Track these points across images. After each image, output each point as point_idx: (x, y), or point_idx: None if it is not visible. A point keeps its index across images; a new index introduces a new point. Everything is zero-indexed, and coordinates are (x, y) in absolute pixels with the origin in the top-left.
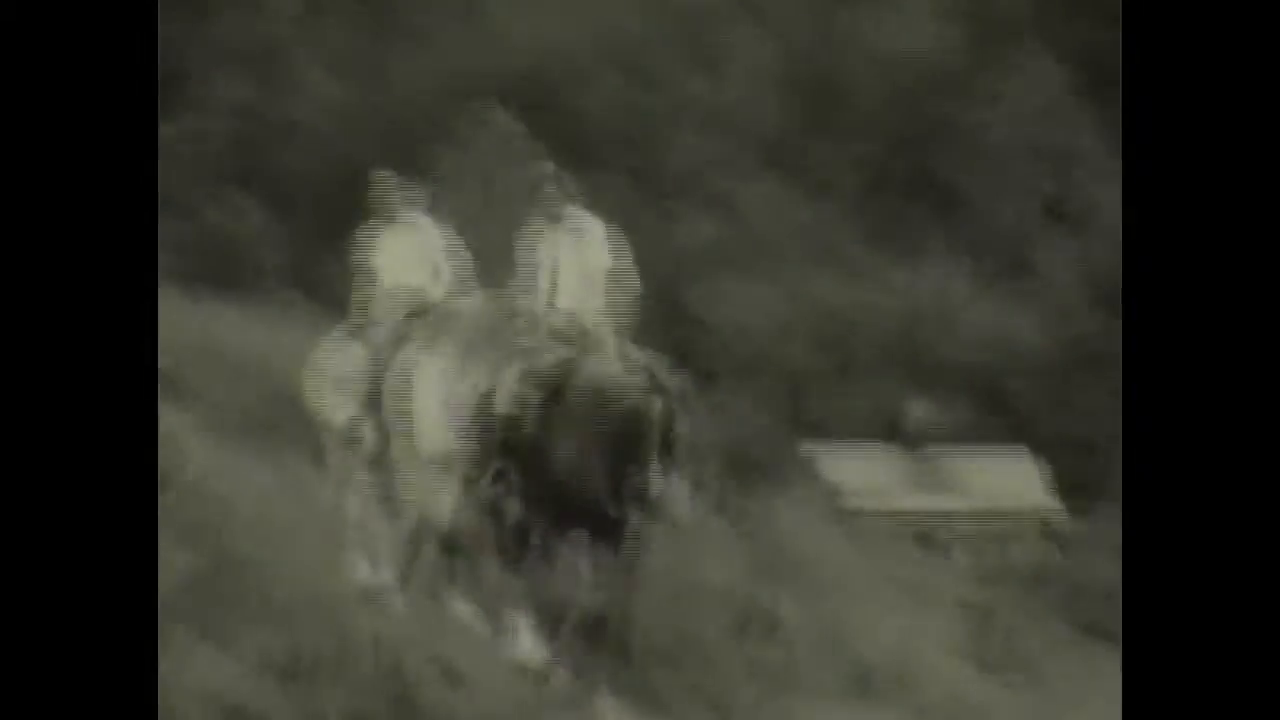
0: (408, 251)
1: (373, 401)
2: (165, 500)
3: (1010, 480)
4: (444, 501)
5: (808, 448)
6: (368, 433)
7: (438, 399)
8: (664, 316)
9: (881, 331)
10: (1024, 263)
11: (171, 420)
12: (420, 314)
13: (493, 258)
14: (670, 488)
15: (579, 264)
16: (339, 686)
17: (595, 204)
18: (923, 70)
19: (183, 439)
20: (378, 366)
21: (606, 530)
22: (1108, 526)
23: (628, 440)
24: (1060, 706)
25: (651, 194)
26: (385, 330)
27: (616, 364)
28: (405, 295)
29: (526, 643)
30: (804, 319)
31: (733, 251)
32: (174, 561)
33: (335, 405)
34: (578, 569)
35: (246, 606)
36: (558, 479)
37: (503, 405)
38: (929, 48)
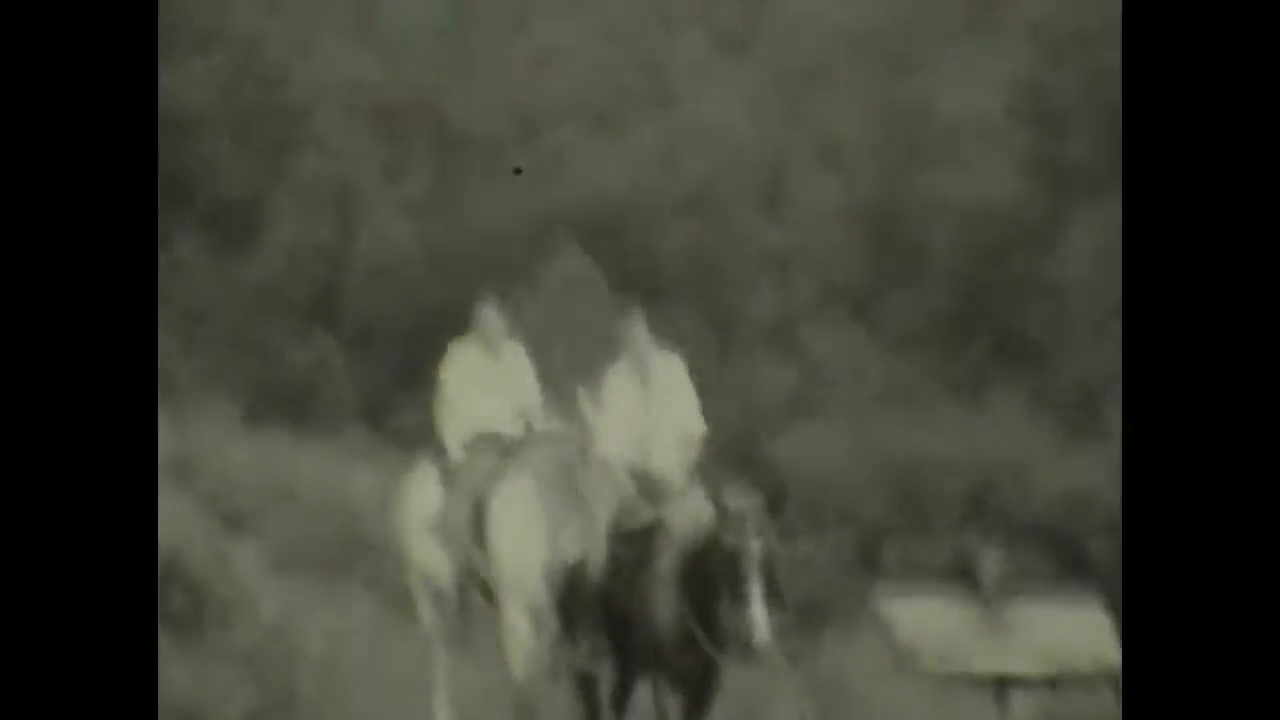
0: (500, 384)
1: (462, 551)
2: (236, 638)
3: (1083, 635)
4: (529, 660)
5: (880, 596)
6: (457, 583)
7: (526, 557)
8: (739, 464)
9: (958, 483)
10: (1101, 416)
11: (246, 558)
12: (509, 453)
13: (570, 399)
14: (766, 628)
15: (661, 408)
16: None
17: (671, 348)
18: (1000, 222)
19: (256, 577)
20: (468, 512)
21: (695, 678)
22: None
23: (726, 586)
24: None
25: (728, 341)
26: (474, 471)
27: (706, 510)
28: (494, 431)
29: None
30: (881, 469)
31: (809, 400)
32: (238, 697)
33: (425, 551)
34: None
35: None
36: (652, 634)
37: (596, 572)
38: (1006, 199)
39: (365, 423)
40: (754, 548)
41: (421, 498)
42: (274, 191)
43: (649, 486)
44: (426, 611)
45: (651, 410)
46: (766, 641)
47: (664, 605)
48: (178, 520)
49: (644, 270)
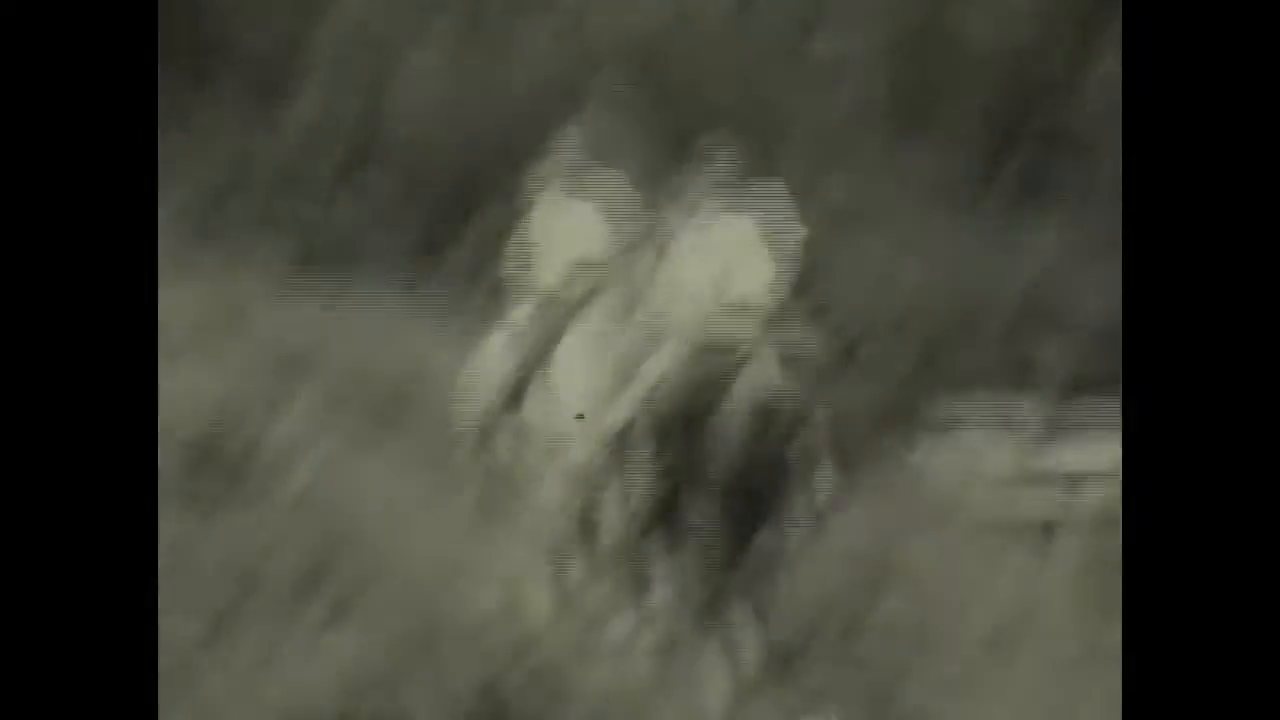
0: (576, 223)
1: (521, 398)
2: (289, 484)
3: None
4: (603, 509)
5: (946, 405)
6: (515, 434)
7: (593, 392)
8: (799, 279)
9: (1017, 286)
10: None
11: (294, 412)
12: (583, 296)
13: (636, 235)
14: (823, 499)
15: (752, 242)
16: (471, 659)
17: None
18: (1049, 24)
19: (309, 425)
20: (533, 359)
21: (745, 529)
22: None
23: (791, 454)
24: None
25: (782, 157)
26: (544, 317)
27: (777, 371)
28: (570, 272)
29: (745, 636)
30: (939, 276)
31: (865, 210)
32: (294, 545)
33: (484, 403)
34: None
35: (376, 586)
36: (719, 487)
37: (662, 408)
38: (1054, 4)
39: (416, 266)
40: (817, 414)
41: (488, 350)
42: (313, 33)
43: (732, 344)
44: (485, 468)
45: (741, 231)
46: (820, 513)
47: (730, 441)
48: (228, 370)
49: (689, 94)
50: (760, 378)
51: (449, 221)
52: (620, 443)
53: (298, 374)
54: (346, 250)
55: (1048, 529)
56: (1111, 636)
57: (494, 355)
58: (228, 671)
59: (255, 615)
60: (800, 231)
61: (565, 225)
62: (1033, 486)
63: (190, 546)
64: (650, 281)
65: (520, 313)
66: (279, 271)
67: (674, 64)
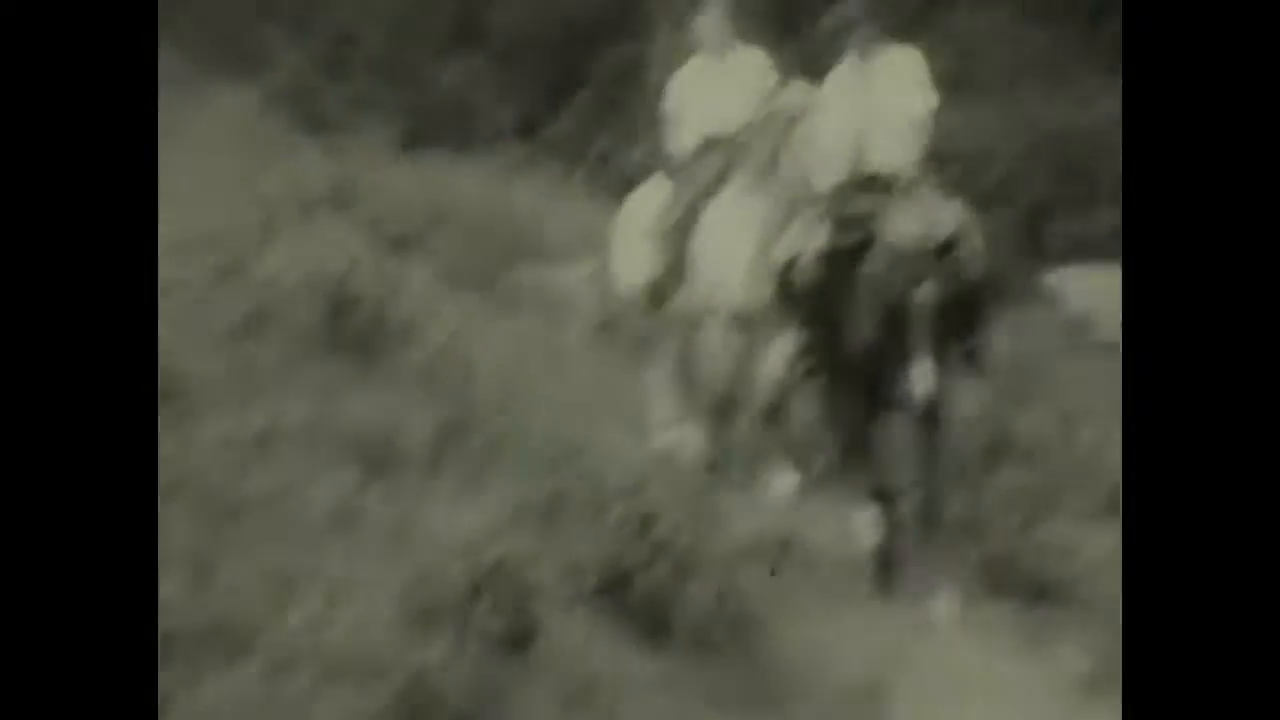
0: (729, 85)
1: (676, 255)
2: (413, 358)
3: None
4: (754, 368)
5: (1053, 274)
6: (668, 291)
7: (738, 252)
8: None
9: (1115, 156)
10: None
11: (417, 277)
12: (734, 153)
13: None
14: (927, 385)
15: (892, 106)
16: (597, 532)
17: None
18: None
19: (426, 297)
20: (685, 216)
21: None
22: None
23: (948, 305)
24: None
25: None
26: (694, 173)
27: (924, 218)
28: (723, 134)
29: (862, 524)
30: (1042, 145)
31: (967, 79)
32: (420, 416)
33: (639, 259)
34: (898, 445)
35: (500, 458)
36: (867, 348)
37: (807, 265)
38: None
39: (521, 138)
40: (923, 294)
41: (645, 205)
42: None
43: (867, 180)
44: (638, 327)
45: (875, 101)
46: (926, 397)
47: (865, 317)
48: (343, 246)
49: None
50: (900, 231)
51: (551, 95)
52: (761, 316)
53: (414, 248)
54: (453, 127)
55: None
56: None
57: (637, 224)
58: (357, 548)
59: (385, 487)
60: (933, 100)
61: (702, 97)
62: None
63: (322, 424)
64: (786, 153)
65: (655, 185)
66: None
67: None
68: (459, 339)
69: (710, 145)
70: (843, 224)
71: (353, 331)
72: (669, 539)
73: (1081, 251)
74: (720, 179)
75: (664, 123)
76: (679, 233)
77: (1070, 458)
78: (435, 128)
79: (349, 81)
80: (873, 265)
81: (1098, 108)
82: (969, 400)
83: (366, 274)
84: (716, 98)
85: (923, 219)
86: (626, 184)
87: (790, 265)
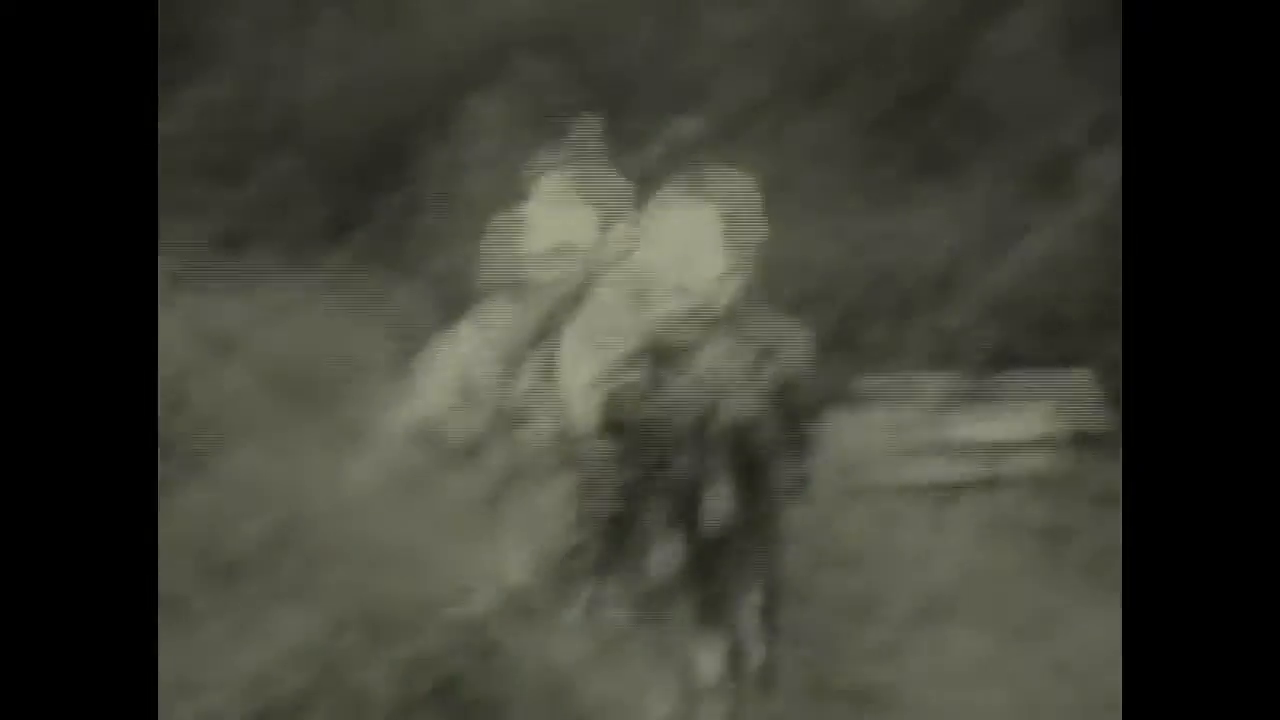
0: (576, 208)
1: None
2: (239, 462)
3: (1070, 400)
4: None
5: (865, 382)
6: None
7: (569, 384)
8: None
9: (935, 261)
10: (1070, 181)
11: (239, 380)
12: (573, 292)
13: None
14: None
15: (715, 236)
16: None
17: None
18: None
19: (250, 401)
20: (512, 356)
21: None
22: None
23: (771, 427)
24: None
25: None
26: (524, 313)
27: (745, 345)
28: (561, 263)
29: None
30: (855, 254)
31: (780, 190)
32: (247, 523)
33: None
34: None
35: (327, 566)
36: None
37: (626, 398)
38: None
39: (337, 242)
40: (727, 418)
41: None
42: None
43: (691, 311)
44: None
45: (702, 230)
46: (718, 526)
47: (677, 445)
48: (169, 348)
49: (603, 71)
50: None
51: (363, 204)
52: (576, 442)
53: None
54: (274, 227)
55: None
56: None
57: (452, 351)
58: (183, 654)
59: (210, 597)
60: (762, 231)
61: (554, 220)
62: (945, 455)
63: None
64: (610, 284)
65: (488, 308)
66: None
67: (582, 41)
68: (285, 443)
69: (558, 268)
70: (661, 355)
71: (180, 430)
72: (496, 645)
73: (897, 357)
74: (555, 314)
75: (508, 242)
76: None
77: (891, 563)
78: (255, 227)
79: (169, 182)
80: (684, 393)
81: (917, 218)
82: (798, 515)
83: (192, 373)
84: (566, 222)
85: (742, 346)
86: (444, 282)
87: (612, 399)
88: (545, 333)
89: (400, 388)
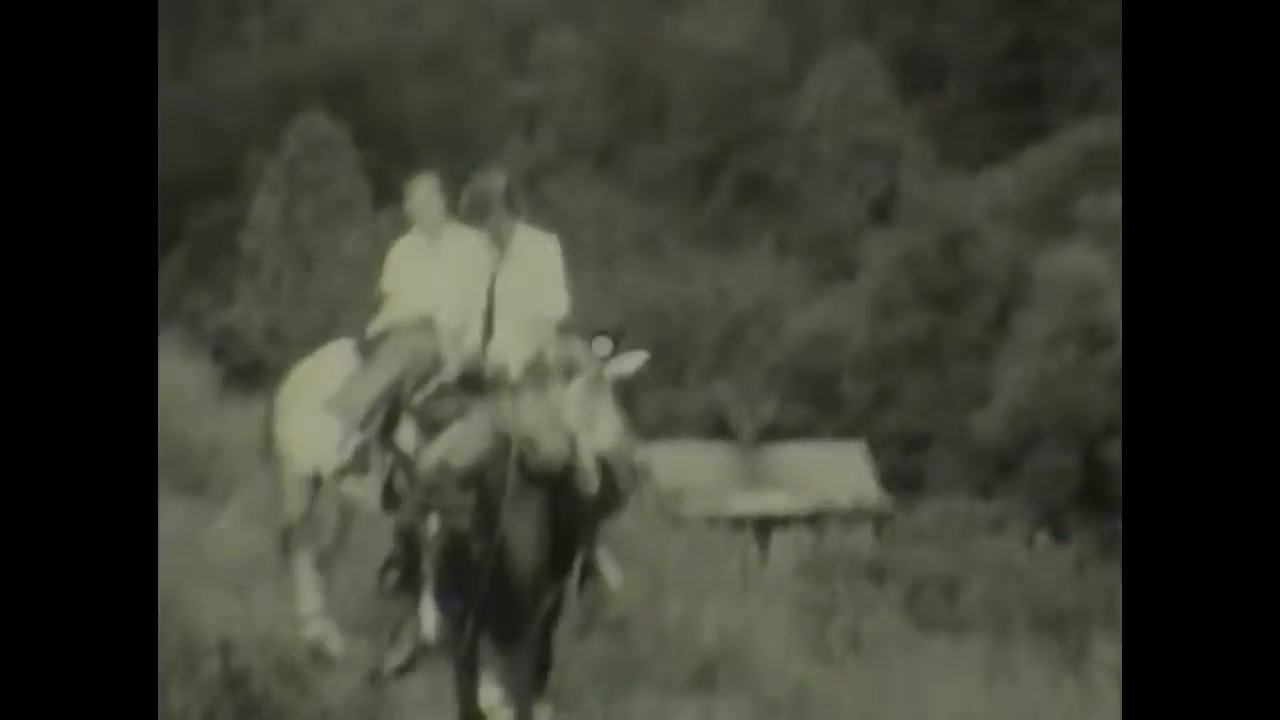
0: (438, 263)
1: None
2: None
3: (843, 475)
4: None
5: (641, 451)
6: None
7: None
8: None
9: (713, 330)
10: (851, 261)
11: None
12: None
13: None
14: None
15: (525, 293)
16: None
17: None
18: (748, 71)
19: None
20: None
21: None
22: (935, 519)
23: (567, 510)
24: (898, 692)
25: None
26: (391, 354)
27: (544, 415)
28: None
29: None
30: (635, 322)
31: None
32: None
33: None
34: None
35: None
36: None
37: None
38: (753, 49)
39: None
40: (429, 525)
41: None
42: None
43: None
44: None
45: (528, 303)
46: (431, 641)
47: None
48: None
49: (389, 129)
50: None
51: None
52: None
53: None
54: None
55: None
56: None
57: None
58: None
59: None
60: (564, 304)
61: (415, 274)
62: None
63: None
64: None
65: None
66: None
67: (375, 102)
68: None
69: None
70: (427, 425)
71: None
72: (260, 697)
73: (673, 427)
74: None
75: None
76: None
77: (659, 628)
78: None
79: None
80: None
81: (695, 283)
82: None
83: None
84: (428, 277)
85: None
86: (216, 345)
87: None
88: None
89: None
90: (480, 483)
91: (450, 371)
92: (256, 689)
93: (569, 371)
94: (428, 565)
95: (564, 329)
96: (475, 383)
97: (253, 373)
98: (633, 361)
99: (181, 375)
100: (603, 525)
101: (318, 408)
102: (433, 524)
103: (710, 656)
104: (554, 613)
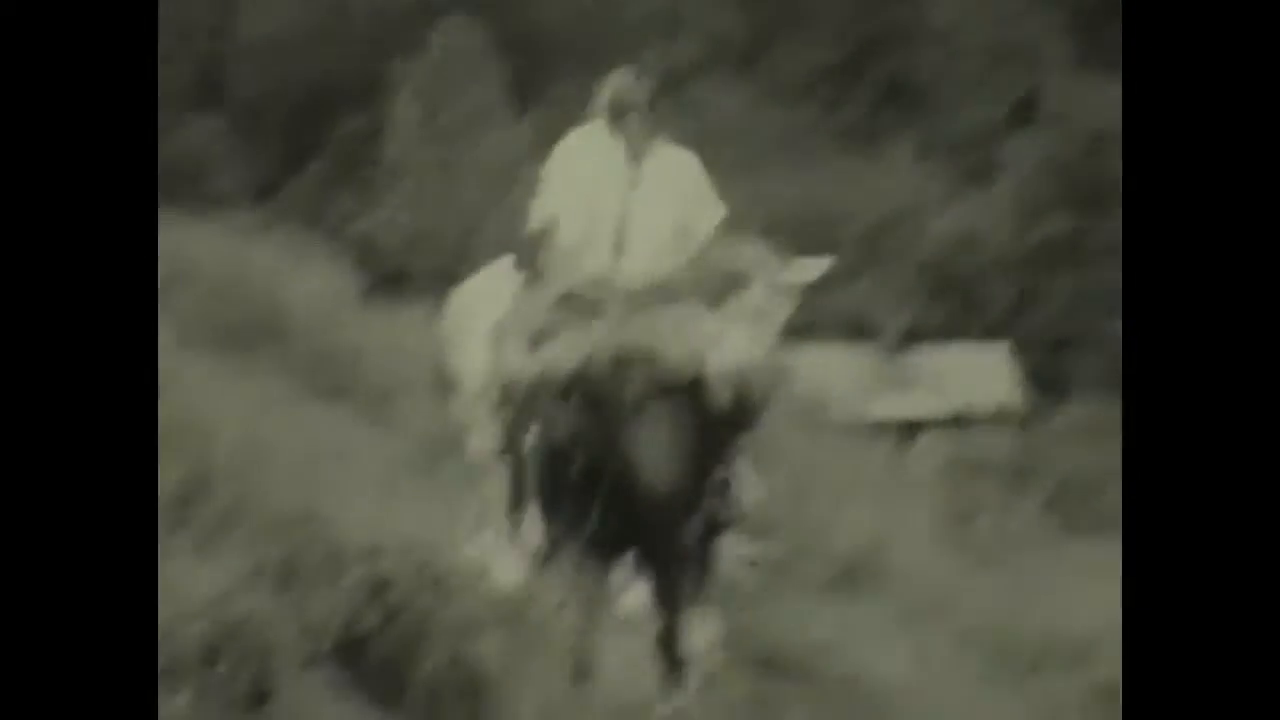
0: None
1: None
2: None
3: (986, 377)
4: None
5: (783, 354)
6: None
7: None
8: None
9: (854, 234)
10: (993, 163)
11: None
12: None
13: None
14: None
15: (664, 214)
16: (333, 596)
17: (563, 115)
18: None
19: (166, 358)
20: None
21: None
22: (1078, 422)
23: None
24: (1037, 593)
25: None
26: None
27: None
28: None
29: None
30: (777, 223)
31: (704, 157)
32: (165, 475)
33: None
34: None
35: (240, 519)
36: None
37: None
38: None
39: (258, 200)
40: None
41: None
42: None
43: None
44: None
45: (666, 222)
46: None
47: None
48: None
49: (529, 35)
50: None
51: (289, 161)
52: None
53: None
54: (189, 188)
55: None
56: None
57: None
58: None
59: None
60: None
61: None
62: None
63: None
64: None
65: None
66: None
67: (515, 7)
68: (199, 399)
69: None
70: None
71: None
72: (403, 604)
73: (816, 330)
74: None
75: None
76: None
77: (802, 531)
78: (171, 189)
79: None
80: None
81: (838, 186)
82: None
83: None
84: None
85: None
86: (358, 253)
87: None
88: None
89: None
90: (587, 395)
91: (555, 289)
92: (399, 596)
93: (733, 282)
94: (530, 477)
95: (736, 231)
96: (594, 302)
97: (395, 279)
98: (816, 267)
99: (324, 282)
100: (740, 439)
101: (490, 333)
102: (531, 435)
103: (852, 560)
104: (712, 523)
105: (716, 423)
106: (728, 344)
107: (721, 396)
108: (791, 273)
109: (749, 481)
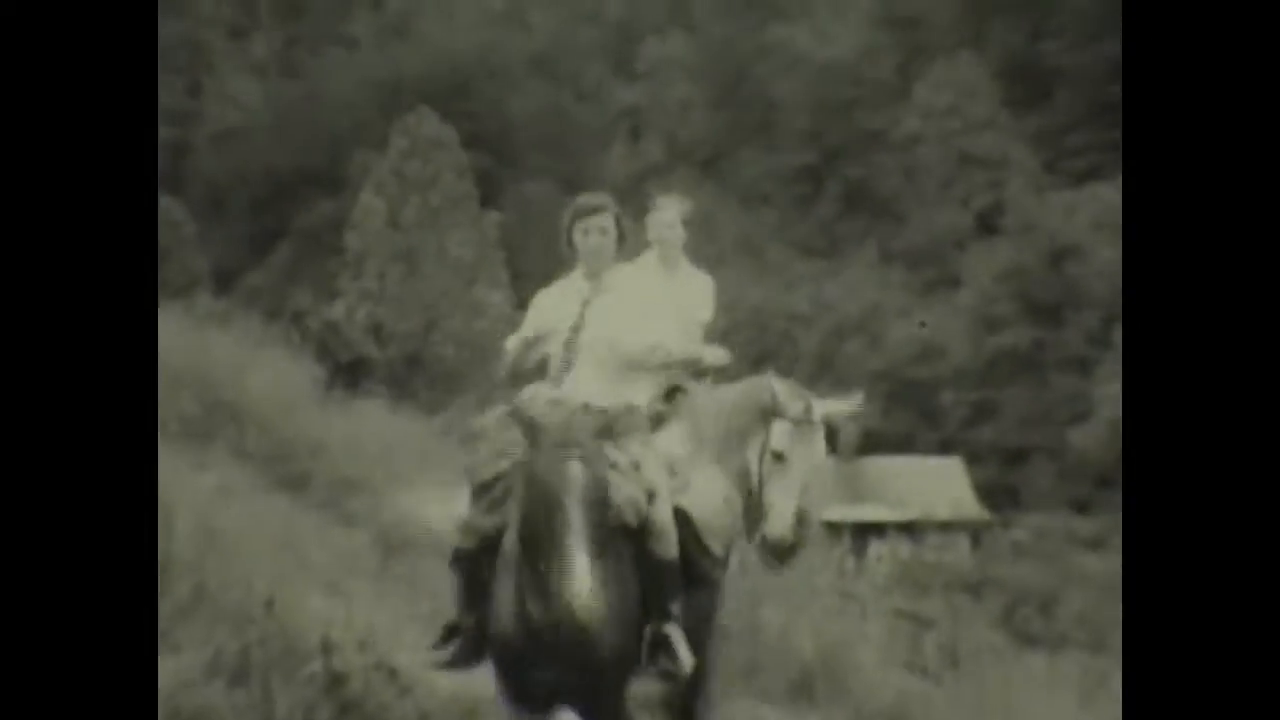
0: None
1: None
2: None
3: (941, 489)
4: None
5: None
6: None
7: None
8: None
9: (813, 341)
10: (953, 273)
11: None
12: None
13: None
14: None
15: (613, 328)
16: (290, 689)
17: (526, 211)
18: (855, 80)
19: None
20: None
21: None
22: (1032, 534)
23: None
24: (995, 707)
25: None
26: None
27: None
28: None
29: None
30: (737, 330)
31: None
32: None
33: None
34: None
35: (197, 611)
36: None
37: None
38: (860, 58)
39: (219, 289)
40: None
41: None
42: None
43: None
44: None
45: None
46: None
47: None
48: None
49: (495, 131)
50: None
51: (251, 249)
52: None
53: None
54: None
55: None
56: None
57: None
58: None
59: None
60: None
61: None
62: None
63: None
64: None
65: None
66: None
67: (482, 104)
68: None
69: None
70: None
71: None
72: (358, 698)
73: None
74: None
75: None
76: None
77: (756, 641)
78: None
79: None
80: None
81: (798, 291)
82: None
83: None
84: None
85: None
86: (326, 336)
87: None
88: None
89: None
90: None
91: (502, 380)
92: (355, 691)
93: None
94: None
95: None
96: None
97: (356, 370)
98: (851, 403)
99: (285, 372)
100: (682, 597)
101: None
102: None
103: (808, 667)
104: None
105: (659, 574)
106: (694, 489)
107: (668, 546)
108: (820, 407)
109: (682, 648)
